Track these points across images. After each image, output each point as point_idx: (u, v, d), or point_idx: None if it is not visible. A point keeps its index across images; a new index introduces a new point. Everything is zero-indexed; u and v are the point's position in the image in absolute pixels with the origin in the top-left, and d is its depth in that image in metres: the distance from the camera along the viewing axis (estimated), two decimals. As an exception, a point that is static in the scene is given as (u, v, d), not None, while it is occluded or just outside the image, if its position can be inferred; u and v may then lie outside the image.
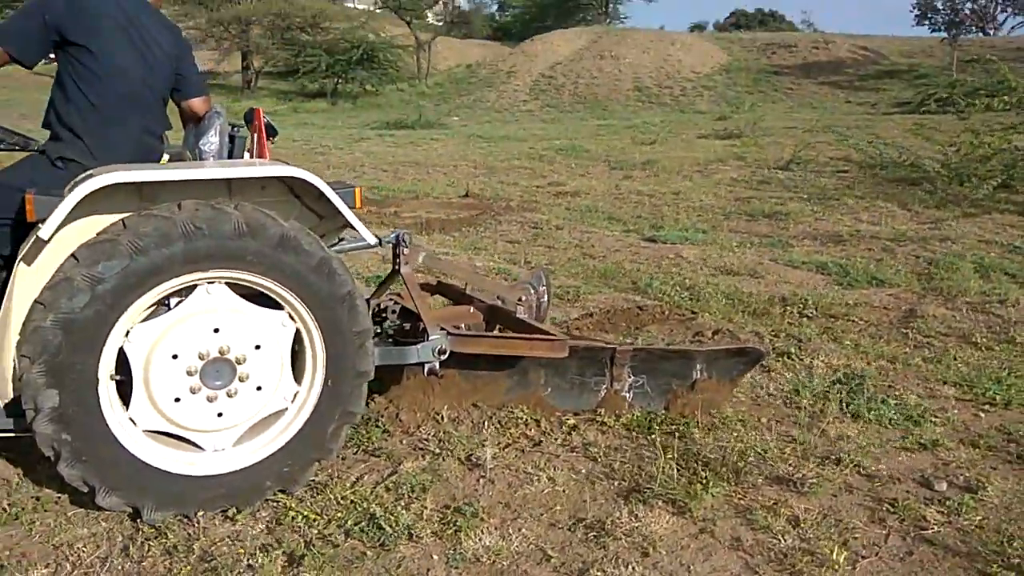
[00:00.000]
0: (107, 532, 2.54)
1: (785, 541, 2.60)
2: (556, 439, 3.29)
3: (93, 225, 2.45)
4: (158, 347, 2.49)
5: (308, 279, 2.58)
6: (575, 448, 3.24)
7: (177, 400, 2.54)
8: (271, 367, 2.66)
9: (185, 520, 2.57)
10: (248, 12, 31.53)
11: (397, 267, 3.39)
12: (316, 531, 2.58)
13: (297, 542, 2.51)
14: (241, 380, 2.61)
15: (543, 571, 2.46)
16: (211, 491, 2.60)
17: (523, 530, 2.65)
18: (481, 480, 2.95)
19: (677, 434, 3.30)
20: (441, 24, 42.18)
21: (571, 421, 3.42)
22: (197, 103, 3.16)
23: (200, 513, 2.57)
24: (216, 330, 2.56)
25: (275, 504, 2.71)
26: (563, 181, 11.31)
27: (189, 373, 2.54)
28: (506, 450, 3.17)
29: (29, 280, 2.44)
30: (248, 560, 2.39)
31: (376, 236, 3.35)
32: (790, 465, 3.11)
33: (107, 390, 2.47)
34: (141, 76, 2.90)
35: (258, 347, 2.62)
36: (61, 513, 2.63)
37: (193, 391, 2.55)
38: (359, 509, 2.69)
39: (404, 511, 2.69)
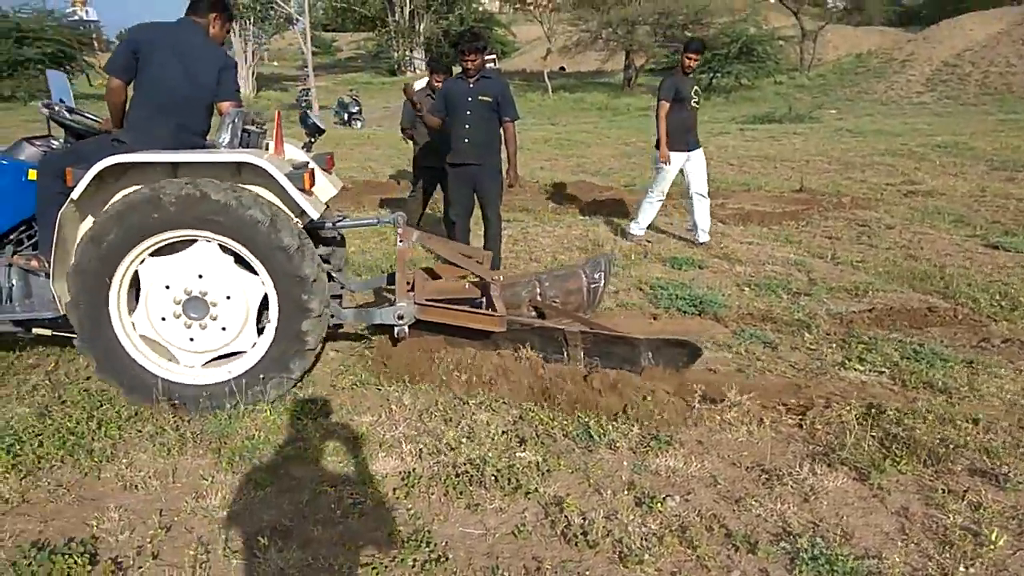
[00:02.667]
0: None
1: (952, 519, 2.72)
2: (772, 400, 3.66)
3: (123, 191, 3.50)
4: (158, 276, 3.55)
5: (249, 233, 3.41)
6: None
7: (163, 319, 3.60)
8: (237, 315, 3.59)
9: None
10: (635, 13, 33.38)
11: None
12: (544, 428, 3.42)
13: (530, 433, 3.37)
14: (212, 319, 3.60)
15: (707, 491, 2.97)
16: (180, 394, 3.58)
17: (705, 462, 3.17)
18: (687, 420, 3.50)
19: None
20: (835, 10, 39.60)
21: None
22: (225, 105, 3.89)
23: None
24: (200, 276, 3.55)
25: (521, 406, 3.61)
26: (921, 180, 10.47)
27: (175, 301, 3.58)
28: (720, 402, 3.63)
29: (69, 228, 3.56)
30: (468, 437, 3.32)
31: (376, 217, 4.53)
32: (1002, 463, 3.08)
33: (116, 300, 3.53)
34: (183, 87, 3.77)
35: (229, 297, 3.58)
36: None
37: (176, 316, 3.59)
38: (580, 422, 3.46)
39: (613, 430, 3.38)
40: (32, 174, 3.78)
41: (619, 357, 3.90)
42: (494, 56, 49.59)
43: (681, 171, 7.00)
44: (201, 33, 3.92)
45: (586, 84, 35.80)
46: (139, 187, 3.46)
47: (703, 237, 7.06)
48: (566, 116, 25.92)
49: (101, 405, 3.60)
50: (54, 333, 3.81)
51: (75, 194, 3.40)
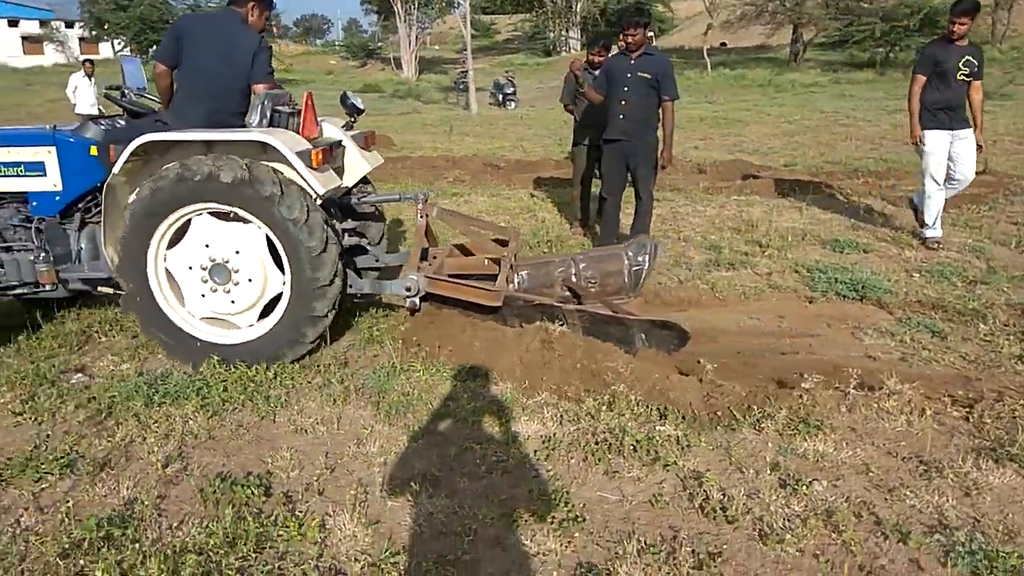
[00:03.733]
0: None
1: None
2: (940, 392, 3.44)
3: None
4: (179, 264, 3.89)
5: (262, 206, 3.66)
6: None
7: (204, 296, 3.91)
8: (253, 264, 3.85)
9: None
10: (807, -17, 31.45)
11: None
12: (691, 412, 3.41)
13: (670, 407, 3.37)
14: (236, 275, 3.88)
15: (858, 479, 2.85)
16: (246, 352, 3.90)
17: (857, 449, 3.04)
18: (841, 407, 3.36)
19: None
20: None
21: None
22: (258, 87, 4.13)
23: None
24: (206, 245, 3.82)
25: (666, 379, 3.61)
26: None
27: (203, 280, 3.88)
28: (877, 391, 3.45)
29: (115, 199, 3.92)
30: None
31: (400, 193, 4.76)
32: None
33: (154, 265, 3.87)
34: (221, 72, 4.06)
35: (238, 252, 3.84)
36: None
37: (212, 289, 3.89)
38: (722, 401, 3.41)
39: (759, 413, 3.31)
40: (94, 150, 4.13)
41: (614, 337, 3.86)
42: (652, 34, 48.65)
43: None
44: (239, 21, 4.19)
45: (747, 60, 34.24)
46: (165, 167, 3.78)
47: (931, 232, 6.12)
48: (724, 93, 24.95)
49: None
50: (115, 292, 4.15)
51: (116, 168, 3.83)
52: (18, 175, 4.12)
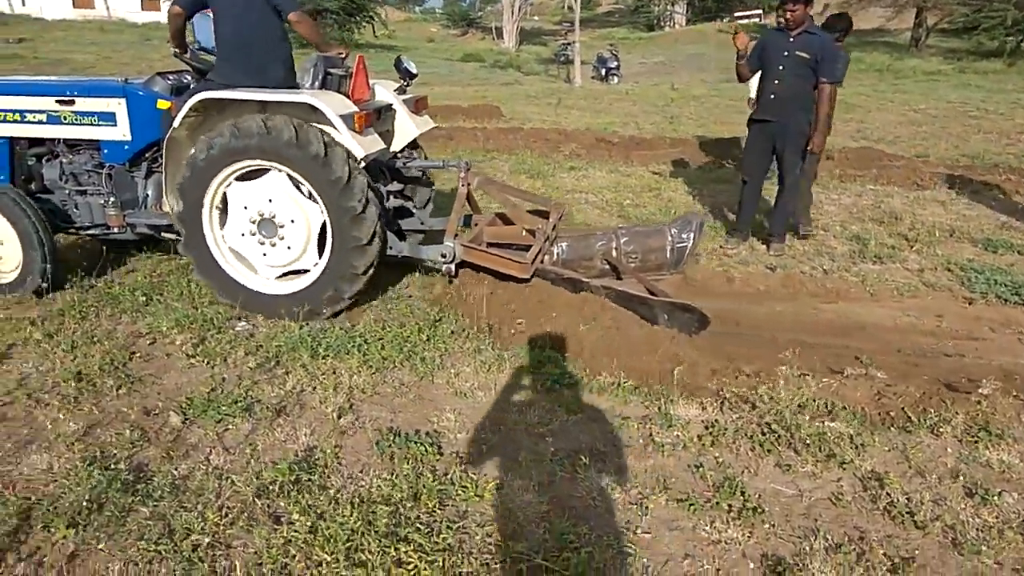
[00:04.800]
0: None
1: None
2: None
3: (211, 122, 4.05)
4: (240, 198, 4.01)
5: (309, 166, 3.80)
6: None
7: (243, 235, 4.08)
8: (299, 237, 4.02)
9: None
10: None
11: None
12: (862, 411, 3.29)
13: (838, 403, 3.26)
14: (280, 238, 4.04)
15: (1052, 495, 2.69)
16: (257, 302, 4.10)
17: (1047, 463, 2.87)
18: (1022, 416, 3.18)
19: None
20: None
21: None
22: (291, 17, 4.17)
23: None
24: (270, 200, 3.97)
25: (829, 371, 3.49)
26: None
27: (251, 221, 4.04)
28: (1063, 404, 3.25)
29: (176, 152, 4.13)
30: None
31: (443, 160, 4.82)
32: None
33: (208, 214, 4.05)
34: (247, 24, 4.09)
35: (293, 221, 3.99)
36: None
37: (252, 233, 4.06)
38: (893, 402, 3.28)
39: (936, 417, 3.16)
40: (161, 103, 4.35)
41: (640, 315, 3.88)
42: (760, 11, 46.85)
43: None
44: None
45: (863, 43, 32.51)
46: (220, 124, 3.95)
47: None
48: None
49: (438, 320, 4.07)
50: (176, 237, 4.31)
51: (175, 123, 4.04)
52: (92, 124, 4.39)
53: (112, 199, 4.44)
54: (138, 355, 3.71)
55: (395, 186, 4.70)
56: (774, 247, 5.51)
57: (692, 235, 4.48)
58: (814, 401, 3.26)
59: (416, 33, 48.51)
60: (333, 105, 3.89)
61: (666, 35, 40.98)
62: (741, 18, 44.71)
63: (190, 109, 3.97)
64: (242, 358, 3.67)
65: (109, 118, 4.35)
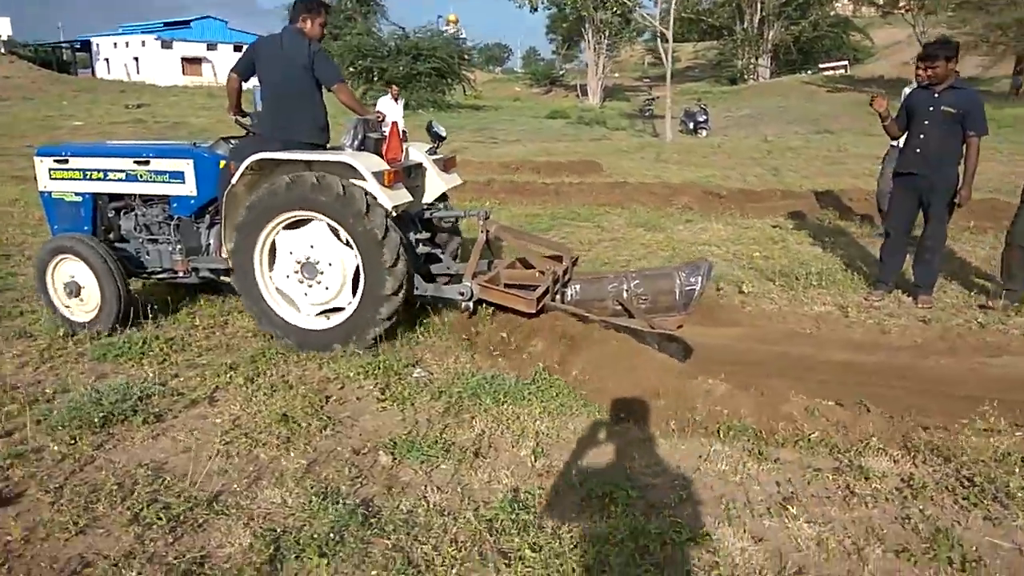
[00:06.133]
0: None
1: None
2: None
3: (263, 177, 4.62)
4: (286, 244, 4.58)
5: (349, 220, 4.32)
6: None
7: (287, 276, 4.62)
8: (336, 279, 4.55)
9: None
10: (1035, 12, 28.77)
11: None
12: None
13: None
14: (319, 279, 4.56)
15: None
16: (298, 335, 4.60)
17: None
18: None
19: None
20: None
21: None
22: (335, 88, 4.78)
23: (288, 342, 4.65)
24: (312, 246, 4.53)
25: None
26: None
27: (295, 263, 4.57)
28: None
29: (232, 204, 4.63)
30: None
31: (464, 210, 5.48)
32: None
33: (259, 261, 4.60)
34: (282, 86, 4.69)
35: (331, 264, 4.52)
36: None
37: (296, 273, 4.61)
38: None
39: None
40: (222, 163, 4.87)
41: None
42: (845, 63, 46.42)
43: None
44: (298, 35, 4.76)
45: (959, 92, 31.74)
46: (277, 178, 4.47)
47: None
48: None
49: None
50: (231, 280, 4.81)
51: (234, 180, 4.58)
52: (164, 181, 4.99)
53: (179, 247, 5.08)
54: (333, 399, 3.97)
55: (424, 235, 5.23)
56: (922, 299, 5.46)
57: (700, 279, 4.63)
58: (1009, 455, 3.22)
59: (501, 92, 50.06)
60: (367, 164, 4.43)
61: (750, 88, 41.03)
62: (826, 69, 44.46)
63: (247, 168, 4.52)
64: (428, 403, 3.89)
65: (179, 176, 4.95)
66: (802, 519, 2.84)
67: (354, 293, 4.54)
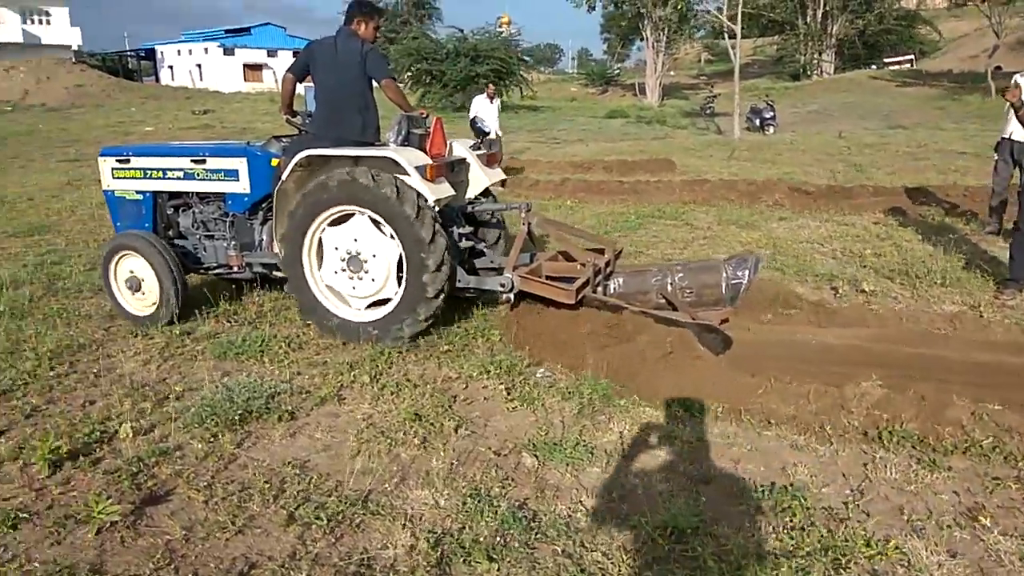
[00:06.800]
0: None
1: None
2: None
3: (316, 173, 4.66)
4: (332, 241, 4.61)
5: (395, 211, 4.36)
6: None
7: (335, 272, 4.66)
8: (381, 269, 4.57)
9: None
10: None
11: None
12: None
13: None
14: (365, 272, 4.59)
15: None
16: (350, 330, 4.62)
17: None
18: None
19: None
20: None
21: None
22: (383, 83, 4.83)
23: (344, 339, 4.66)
24: (355, 239, 4.55)
25: None
26: None
27: (341, 259, 4.61)
28: None
29: (283, 201, 4.70)
30: None
31: (507, 203, 5.46)
32: None
33: (308, 256, 4.67)
34: (335, 86, 4.75)
35: (375, 256, 4.55)
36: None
37: (344, 269, 4.64)
38: None
39: None
40: (274, 161, 4.94)
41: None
42: (911, 56, 44.88)
43: None
44: (351, 37, 4.82)
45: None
46: (331, 172, 4.53)
47: None
48: (1020, 121, 22.26)
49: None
50: (284, 275, 4.88)
51: (284, 176, 4.68)
52: (220, 179, 5.06)
53: (233, 243, 5.16)
54: (460, 398, 3.89)
55: (467, 229, 5.24)
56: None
57: (748, 272, 4.49)
58: None
59: (557, 93, 49.90)
60: (409, 159, 4.50)
61: (814, 84, 39.98)
62: (892, 63, 43.08)
63: (295, 165, 4.60)
64: (558, 404, 3.77)
65: (233, 174, 5.01)
66: (996, 531, 2.64)
67: (399, 283, 4.56)
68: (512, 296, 4.63)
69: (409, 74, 33.18)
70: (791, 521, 2.70)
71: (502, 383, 4.02)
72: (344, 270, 4.66)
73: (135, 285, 5.05)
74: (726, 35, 26.83)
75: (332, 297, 4.77)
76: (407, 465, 3.21)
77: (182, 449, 3.36)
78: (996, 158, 7.59)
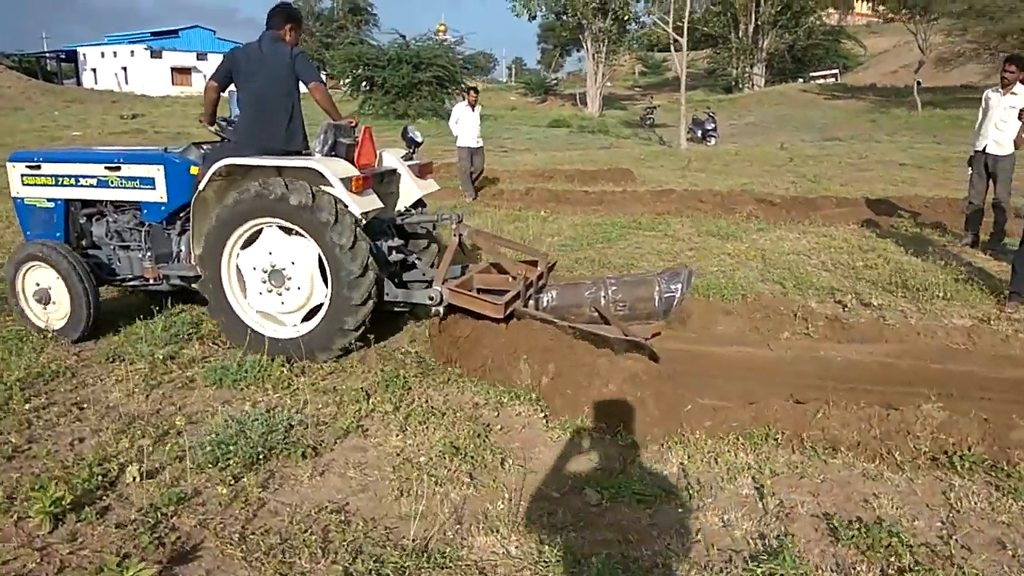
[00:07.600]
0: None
1: None
2: None
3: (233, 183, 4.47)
4: (247, 264, 4.40)
5: (311, 220, 4.18)
6: None
7: (260, 293, 4.43)
8: (304, 274, 4.35)
9: None
10: (1034, 19, 28.99)
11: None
12: None
13: None
14: (289, 280, 4.35)
15: None
16: (291, 347, 4.36)
17: None
18: None
19: None
20: None
21: None
22: (312, 87, 4.63)
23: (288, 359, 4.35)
24: (270, 252, 4.35)
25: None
26: None
27: (262, 280, 4.40)
28: None
29: (201, 210, 4.53)
30: None
31: (438, 215, 5.22)
32: None
33: (227, 269, 4.44)
34: (267, 93, 4.55)
35: (293, 263, 4.33)
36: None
37: (268, 289, 4.41)
38: None
39: None
40: (193, 169, 4.76)
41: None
42: (836, 71, 46.68)
43: None
44: (277, 42, 4.66)
45: (956, 100, 31.92)
46: (246, 185, 4.36)
47: None
48: (946, 135, 23.25)
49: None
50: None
51: (202, 185, 4.49)
52: (134, 187, 4.84)
53: (149, 254, 4.95)
54: (496, 428, 3.60)
55: (397, 241, 5.07)
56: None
57: (680, 286, 4.46)
58: None
59: (496, 102, 49.71)
60: (335, 169, 4.33)
61: (746, 97, 40.96)
62: (818, 77, 44.64)
63: (214, 173, 4.41)
64: (599, 435, 3.52)
65: (149, 182, 4.79)
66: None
67: (326, 283, 4.36)
68: (441, 309, 4.46)
69: (348, 80, 32.47)
70: (899, 563, 2.52)
71: (535, 409, 3.75)
72: (269, 289, 4.46)
73: (43, 297, 4.79)
74: (672, 47, 27.21)
75: (265, 321, 4.55)
76: (460, 506, 2.90)
77: (201, 494, 2.96)
78: (971, 171, 7.74)
